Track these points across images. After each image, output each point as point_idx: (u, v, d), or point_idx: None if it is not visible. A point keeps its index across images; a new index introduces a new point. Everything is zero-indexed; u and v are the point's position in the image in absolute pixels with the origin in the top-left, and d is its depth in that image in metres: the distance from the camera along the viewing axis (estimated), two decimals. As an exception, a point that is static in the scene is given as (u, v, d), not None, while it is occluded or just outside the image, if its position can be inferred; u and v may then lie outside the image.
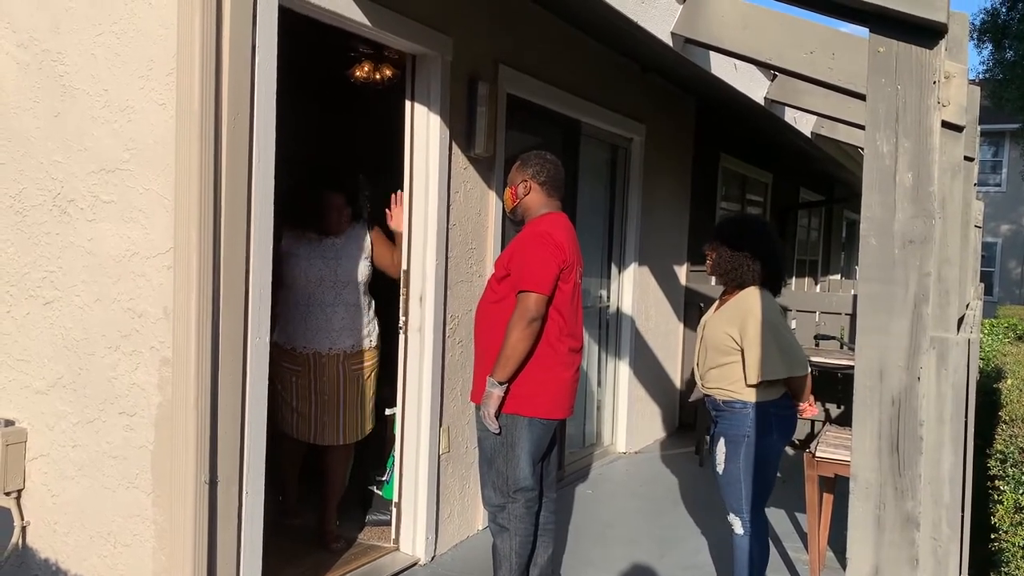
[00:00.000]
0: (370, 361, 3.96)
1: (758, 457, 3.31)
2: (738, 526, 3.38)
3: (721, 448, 3.37)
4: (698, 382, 3.55)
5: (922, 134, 1.71)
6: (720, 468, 3.38)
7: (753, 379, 3.26)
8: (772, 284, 3.44)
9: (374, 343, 3.97)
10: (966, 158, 3.20)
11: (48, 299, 2.95)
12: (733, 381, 3.32)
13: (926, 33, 1.69)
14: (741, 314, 3.31)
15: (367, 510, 4.30)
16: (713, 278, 3.60)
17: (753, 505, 3.35)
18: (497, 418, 3.15)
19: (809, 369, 3.39)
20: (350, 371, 3.87)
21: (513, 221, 3.44)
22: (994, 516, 3.11)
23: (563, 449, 5.22)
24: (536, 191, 3.27)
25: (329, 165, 3.99)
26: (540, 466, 3.33)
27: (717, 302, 3.55)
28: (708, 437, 3.67)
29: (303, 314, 3.80)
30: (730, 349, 3.32)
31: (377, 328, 4.01)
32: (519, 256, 3.14)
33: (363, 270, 3.89)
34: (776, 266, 3.45)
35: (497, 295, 3.20)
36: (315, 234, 3.86)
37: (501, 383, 3.11)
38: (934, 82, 1.71)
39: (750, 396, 3.30)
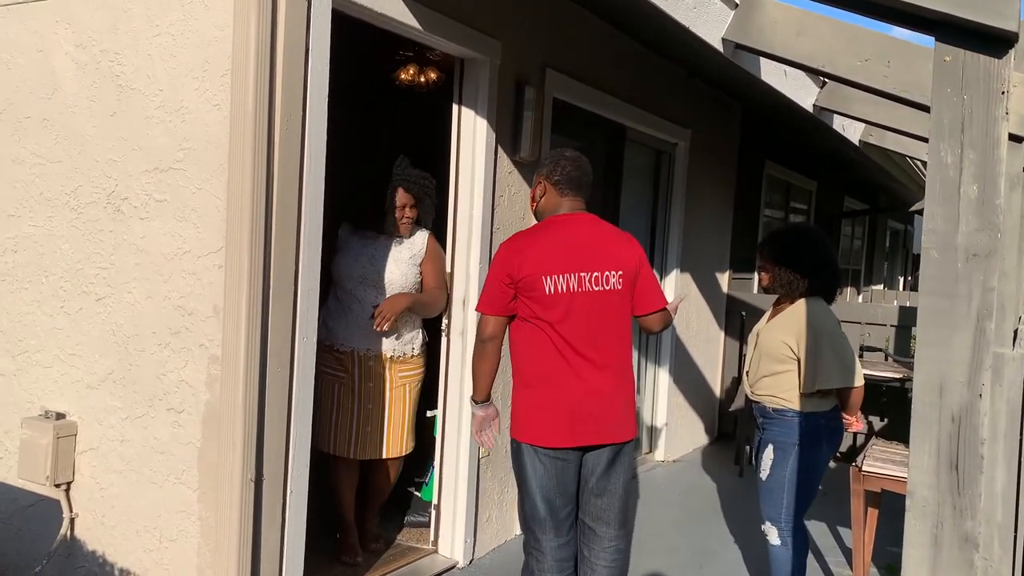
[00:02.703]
0: (418, 371, 3.83)
1: (805, 467, 3.28)
2: (773, 536, 3.34)
3: (769, 454, 3.33)
4: (747, 390, 3.51)
5: (988, 145, 1.68)
6: (764, 474, 3.35)
7: (809, 388, 3.23)
8: (827, 293, 3.40)
9: (417, 351, 3.82)
10: (1024, 169, 3.13)
11: (100, 295, 3.00)
12: (786, 390, 3.29)
13: (995, 42, 1.66)
14: (798, 323, 3.28)
15: (406, 511, 4.31)
16: (757, 287, 3.54)
17: (793, 516, 3.31)
18: (495, 435, 3.05)
19: (863, 381, 3.33)
20: (397, 378, 3.74)
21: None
22: (1048, 537, 3.03)
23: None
24: (550, 192, 3.00)
25: (403, 163, 3.83)
26: (568, 496, 2.95)
27: (771, 310, 3.51)
28: (748, 448, 3.61)
29: (344, 310, 3.70)
30: (786, 358, 3.29)
31: (423, 336, 3.86)
32: None
33: (411, 276, 3.74)
34: (832, 275, 3.42)
35: None
36: (372, 231, 3.75)
37: (476, 402, 3.00)
38: (1002, 92, 1.67)
39: (802, 406, 3.26)
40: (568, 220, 2.96)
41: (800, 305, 3.33)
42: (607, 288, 2.90)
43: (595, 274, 2.88)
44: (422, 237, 3.80)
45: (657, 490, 5.51)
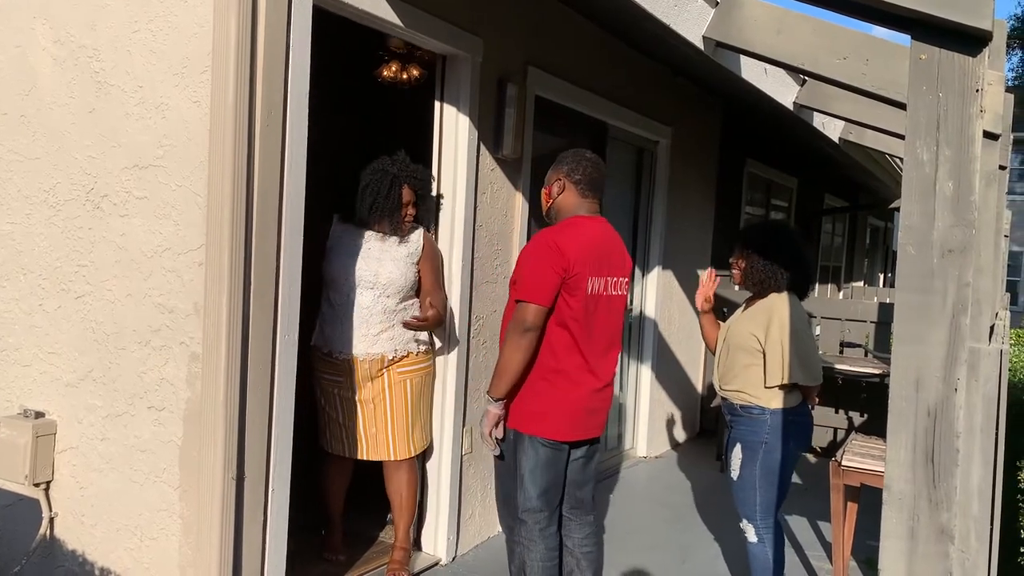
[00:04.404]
0: (420, 366, 3.66)
1: (774, 464, 3.29)
2: (751, 533, 3.37)
3: (737, 454, 3.35)
4: (716, 385, 3.53)
5: (964, 142, 1.69)
6: (735, 474, 3.36)
7: (772, 381, 3.26)
8: (800, 290, 3.43)
9: (422, 348, 3.66)
10: (999, 167, 3.17)
11: (80, 293, 2.98)
12: (754, 384, 3.31)
13: (970, 41, 1.67)
14: (767, 316, 3.30)
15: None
16: (737, 285, 3.54)
17: (767, 512, 3.34)
18: (504, 434, 3.01)
19: (821, 380, 3.38)
20: (396, 374, 3.58)
21: (549, 224, 3.23)
22: (1023, 529, 3.07)
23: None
24: (570, 191, 3.03)
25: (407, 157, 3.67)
26: (559, 487, 3.07)
27: (743, 305, 3.54)
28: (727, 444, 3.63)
29: (340, 315, 3.52)
30: (753, 351, 3.32)
31: (427, 336, 3.71)
32: (522, 264, 2.97)
33: (410, 276, 3.57)
34: (805, 272, 3.44)
35: (509, 304, 3.05)
36: (366, 229, 3.58)
37: (497, 400, 2.94)
38: (977, 90, 1.69)
39: (768, 402, 3.28)
40: (592, 222, 3.03)
41: (771, 299, 3.35)
42: (619, 293, 3.08)
43: (614, 279, 3.04)
44: (418, 235, 3.64)
45: (639, 486, 5.54)
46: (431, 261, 3.67)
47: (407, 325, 3.51)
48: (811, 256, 3.58)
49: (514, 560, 3.08)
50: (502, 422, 3.01)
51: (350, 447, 3.62)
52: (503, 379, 2.91)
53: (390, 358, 3.56)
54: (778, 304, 3.32)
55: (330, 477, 3.76)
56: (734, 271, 3.51)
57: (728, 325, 3.54)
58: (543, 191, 3.15)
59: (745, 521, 3.37)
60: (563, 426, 2.97)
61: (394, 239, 3.58)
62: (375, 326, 3.52)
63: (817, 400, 3.52)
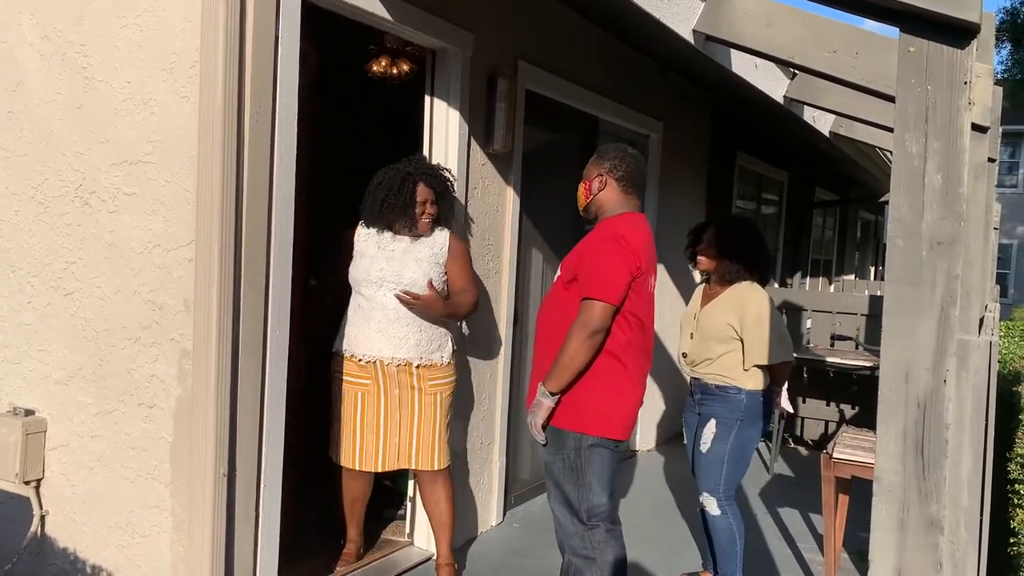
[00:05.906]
0: (448, 378, 3.53)
1: (745, 441, 3.51)
2: (713, 507, 3.53)
3: (711, 428, 3.52)
4: (686, 369, 3.74)
5: (952, 135, 1.69)
6: (705, 447, 3.54)
7: (749, 364, 3.48)
8: (764, 279, 3.68)
9: (446, 359, 3.52)
10: (989, 159, 3.18)
11: (69, 290, 2.97)
12: (730, 368, 3.52)
13: (958, 33, 1.67)
14: (740, 306, 3.53)
15: (386, 505, 4.29)
16: (705, 271, 3.75)
17: (730, 486, 3.54)
18: (544, 429, 2.93)
19: (793, 356, 3.63)
20: (428, 385, 3.45)
21: (585, 220, 3.15)
22: (1013, 520, 3.09)
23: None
24: (612, 187, 2.98)
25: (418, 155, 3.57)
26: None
27: (703, 294, 3.75)
28: (687, 420, 3.79)
29: (364, 317, 3.42)
30: (729, 338, 3.52)
31: (452, 345, 3.57)
32: (590, 259, 2.87)
33: (435, 277, 3.44)
34: (768, 263, 3.73)
35: (563, 300, 2.95)
36: (387, 231, 3.47)
37: (553, 394, 2.85)
38: (965, 82, 1.69)
39: (744, 383, 3.49)
40: (640, 220, 3.01)
41: (739, 289, 3.58)
42: (653, 291, 3.05)
43: (654, 278, 3.05)
44: (443, 235, 3.52)
45: (630, 480, 5.55)
46: (459, 260, 3.55)
47: (399, 297, 3.36)
48: (768, 246, 3.92)
49: (595, 573, 2.92)
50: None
51: (365, 459, 3.48)
52: (564, 375, 2.82)
53: (416, 365, 3.43)
54: (748, 293, 3.55)
55: (351, 490, 3.65)
56: (701, 258, 3.71)
57: (694, 313, 3.72)
58: (581, 185, 3.06)
59: (706, 495, 3.54)
60: (626, 425, 2.95)
61: (414, 238, 3.47)
62: (401, 328, 3.40)
63: (784, 398, 3.73)
